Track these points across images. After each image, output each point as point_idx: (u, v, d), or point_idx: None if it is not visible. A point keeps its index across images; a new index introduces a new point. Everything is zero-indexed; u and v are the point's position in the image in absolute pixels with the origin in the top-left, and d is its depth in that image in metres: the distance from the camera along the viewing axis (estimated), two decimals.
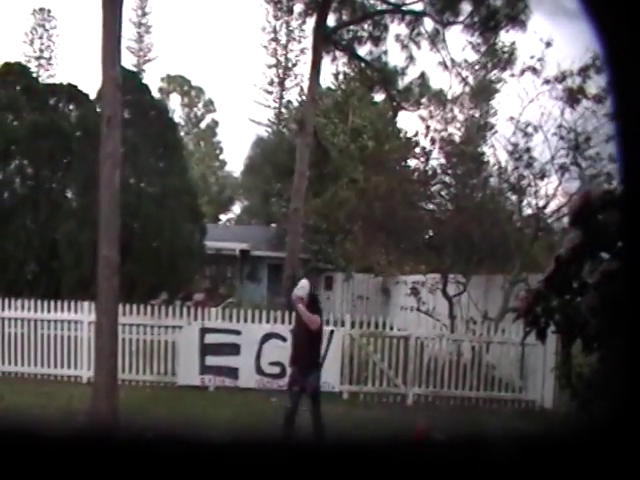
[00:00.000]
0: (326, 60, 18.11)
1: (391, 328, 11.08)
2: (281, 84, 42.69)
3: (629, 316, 1.75)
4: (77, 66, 63.68)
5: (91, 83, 49.66)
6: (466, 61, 17.77)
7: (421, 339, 10.91)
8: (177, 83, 49.09)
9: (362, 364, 10.76)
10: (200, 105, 50.75)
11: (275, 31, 42.24)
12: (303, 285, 6.98)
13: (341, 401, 10.28)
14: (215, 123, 50.99)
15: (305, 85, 23.70)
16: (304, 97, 24.86)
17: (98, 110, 14.04)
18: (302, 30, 39.88)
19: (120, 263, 8.33)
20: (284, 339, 10.54)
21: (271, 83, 42.83)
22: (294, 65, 42.41)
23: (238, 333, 10.62)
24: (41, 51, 41.59)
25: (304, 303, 6.87)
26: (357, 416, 9.16)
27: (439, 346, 10.92)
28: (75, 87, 16.44)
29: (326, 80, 29.42)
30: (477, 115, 18.16)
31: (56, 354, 10.78)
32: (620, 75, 1.66)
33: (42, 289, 13.39)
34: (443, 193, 14.19)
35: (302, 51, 40.85)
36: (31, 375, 10.81)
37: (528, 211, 12.56)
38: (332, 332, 10.66)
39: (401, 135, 26.94)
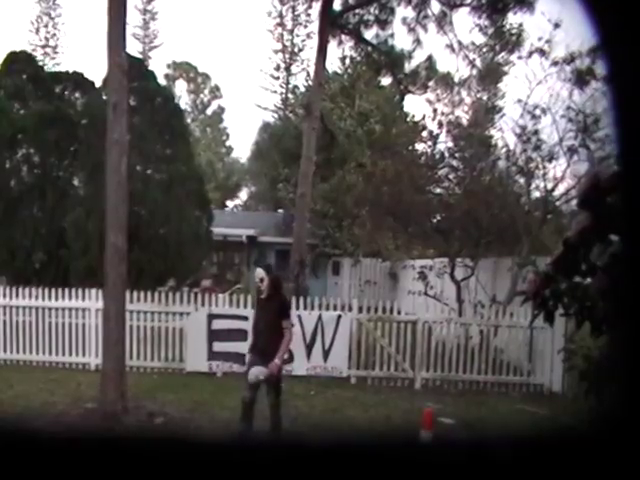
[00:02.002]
0: (332, 44, 17.97)
1: (399, 313, 11.05)
2: (287, 69, 42.52)
3: (632, 303, 1.73)
4: (83, 54, 63.63)
5: (97, 71, 49.81)
6: (473, 43, 17.56)
7: (429, 323, 10.89)
8: (183, 69, 48.99)
9: (370, 349, 10.77)
10: (206, 91, 50.66)
11: (281, 16, 42.08)
12: (257, 274, 6.63)
13: (349, 386, 10.31)
14: (221, 109, 50.95)
15: (311, 70, 23.60)
16: (310, 82, 24.73)
17: (104, 97, 14.02)
18: (308, 14, 39.77)
19: (127, 250, 8.34)
20: (292, 324, 10.55)
21: (277, 68, 42.68)
22: (300, 50, 42.28)
23: (245, 319, 10.60)
24: (47, 39, 41.57)
25: (262, 289, 6.58)
26: (365, 401, 9.18)
27: (447, 330, 10.90)
28: (81, 75, 16.40)
29: (333, 64, 29.31)
30: (485, 98, 18.04)
31: (64, 342, 10.85)
32: (618, 64, 1.65)
33: (50, 277, 13.45)
34: (451, 177, 14.13)
35: (308, 35, 40.72)
36: (40, 363, 10.90)
37: (536, 194, 12.49)
38: (340, 317, 10.67)
39: (408, 119, 26.78)
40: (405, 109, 28.30)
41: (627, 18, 1.58)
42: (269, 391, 6.53)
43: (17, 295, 11.06)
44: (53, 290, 11.02)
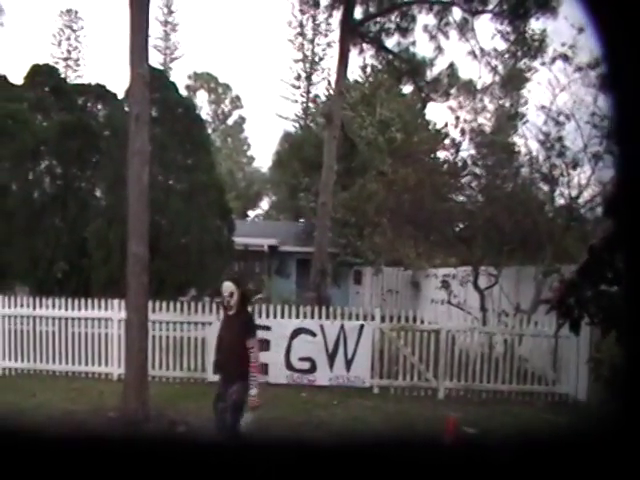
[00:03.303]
0: (353, 53, 18.01)
1: (422, 322, 10.96)
2: (308, 78, 42.64)
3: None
4: (105, 66, 64.43)
5: (119, 82, 50.38)
6: (495, 50, 17.47)
7: (452, 332, 10.78)
8: (204, 80, 49.40)
9: (392, 358, 10.69)
10: (227, 101, 51.01)
11: (301, 25, 42.23)
12: (225, 287, 6.01)
13: (371, 395, 10.24)
14: (242, 119, 51.28)
15: (332, 79, 23.64)
16: (331, 91, 24.78)
17: (126, 109, 14.15)
18: (328, 23, 39.82)
19: (149, 260, 8.37)
20: (314, 334, 10.53)
21: (298, 78, 42.81)
22: (321, 59, 42.39)
23: (268, 329, 10.59)
24: (69, 52, 42.15)
25: (231, 304, 6.00)
26: (387, 410, 9.10)
27: (470, 339, 10.79)
28: (103, 87, 16.59)
29: (353, 73, 29.36)
30: (507, 105, 17.90)
31: (87, 351, 10.90)
32: (619, 75, 1.64)
33: (72, 287, 13.55)
34: (473, 184, 14.02)
35: (329, 45, 40.83)
36: (62, 372, 10.96)
37: (560, 201, 12.33)
38: (362, 326, 10.61)
39: (430, 127, 26.70)
40: (427, 117, 28.22)
41: (628, 22, 1.57)
42: (227, 410, 5.92)
43: (40, 305, 11.15)
44: (75, 300, 11.08)
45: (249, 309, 6.41)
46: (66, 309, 11.04)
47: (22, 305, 11.24)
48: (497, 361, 10.54)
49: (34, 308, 11.12)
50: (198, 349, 10.80)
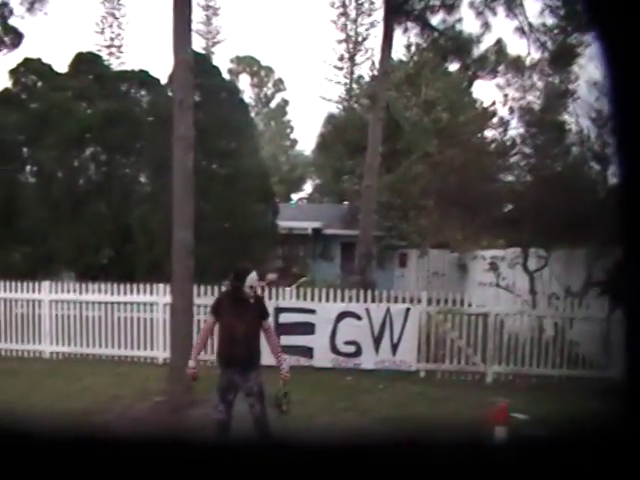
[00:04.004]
0: (397, 32, 17.66)
1: (469, 305, 10.75)
2: (351, 59, 42.20)
3: None
4: (147, 53, 64.97)
5: (161, 69, 50.83)
6: (544, 25, 16.90)
7: (501, 316, 10.57)
8: (246, 64, 49.37)
9: (439, 342, 10.54)
10: (270, 84, 50.92)
11: (344, 5, 41.74)
12: (252, 280, 5.70)
13: (418, 380, 10.13)
14: (285, 102, 51.11)
15: (376, 59, 23.31)
16: (375, 71, 24.46)
17: (169, 94, 14.19)
18: (372, 3, 39.33)
19: (193, 245, 8.39)
20: (359, 318, 10.44)
21: (341, 59, 42.42)
22: (364, 39, 41.86)
23: (313, 312, 10.56)
24: (111, 40, 42.51)
25: (251, 297, 5.72)
26: (434, 395, 8.96)
27: (520, 323, 10.56)
28: (146, 73, 16.67)
29: (397, 52, 28.91)
30: (557, 81, 17.35)
31: (132, 336, 11.04)
32: (621, 80, 1.59)
33: (116, 272, 13.73)
34: (522, 164, 13.66)
35: (372, 24, 40.28)
36: (108, 357, 11.13)
37: (613, 180, 11.91)
38: (408, 309, 10.48)
39: (477, 106, 26.15)
40: (473, 96, 27.66)
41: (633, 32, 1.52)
42: (254, 403, 5.63)
43: (86, 290, 11.34)
44: (121, 285, 11.23)
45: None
46: (112, 294, 11.20)
47: (69, 290, 11.46)
48: (547, 345, 10.29)
49: (80, 293, 11.32)
50: None
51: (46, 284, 11.54)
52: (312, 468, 1.48)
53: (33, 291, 11.51)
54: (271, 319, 6.07)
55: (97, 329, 11.23)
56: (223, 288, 11.03)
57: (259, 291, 5.89)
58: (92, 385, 9.05)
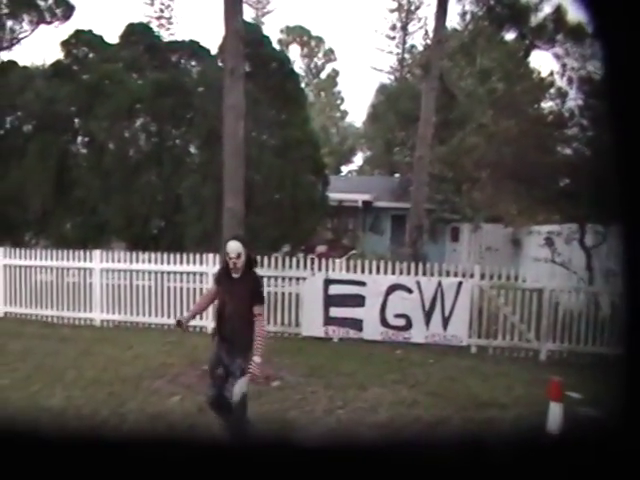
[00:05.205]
0: (452, 0, 17.21)
1: (523, 280, 10.49)
2: (404, 28, 41.44)
3: None
4: (196, 25, 65.10)
5: (211, 40, 50.80)
6: None
7: (556, 292, 10.28)
8: (296, 34, 48.93)
9: (492, 317, 10.34)
10: (320, 55, 50.40)
11: None
12: (232, 248, 5.31)
13: (469, 355, 9.99)
14: (336, 73, 50.57)
15: (429, 28, 22.79)
16: (429, 40, 23.92)
17: (219, 65, 14.15)
18: None
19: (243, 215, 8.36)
20: (410, 291, 10.31)
21: (393, 28, 41.70)
22: (417, 8, 41.07)
23: (363, 284, 10.48)
24: (161, 11, 42.63)
25: (238, 267, 5.30)
26: (485, 371, 8.79)
27: (575, 300, 10.26)
28: (196, 43, 16.65)
29: (452, 21, 28.20)
30: None
31: (182, 305, 11.12)
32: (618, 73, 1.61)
33: (166, 242, 13.87)
34: (580, 136, 13.17)
35: None
36: (158, 325, 11.27)
37: None
38: (460, 283, 10.29)
39: (534, 76, 25.33)
40: (530, 65, 26.78)
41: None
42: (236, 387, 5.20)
43: (137, 260, 11.47)
44: (171, 255, 11.32)
45: (256, 272, 5.55)
46: (162, 263, 11.30)
47: (119, 260, 11.62)
48: (603, 323, 9.97)
49: (131, 262, 11.46)
50: (292, 304, 10.84)
51: (97, 253, 11.73)
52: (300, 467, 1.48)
53: (84, 260, 11.71)
54: (265, 307, 5.51)
55: (147, 298, 11.38)
56: (273, 259, 11.09)
57: (242, 259, 5.29)
58: (142, 352, 9.19)
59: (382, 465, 1.46)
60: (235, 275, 5.36)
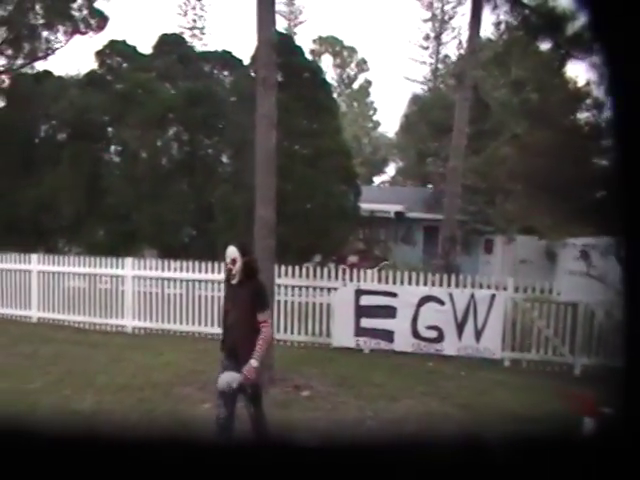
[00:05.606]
0: (486, 10, 17.08)
1: (558, 293, 10.31)
2: (437, 38, 41.29)
3: None
4: (229, 35, 65.73)
5: (243, 51, 51.28)
6: None
7: (591, 306, 10.07)
8: (329, 44, 49.10)
9: (525, 330, 10.18)
10: (353, 65, 50.49)
11: None
12: (228, 253, 5.18)
13: (502, 368, 9.84)
14: (368, 83, 50.60)
15: (463, 38, 22.67)
16: (462, 50, 23.80)
17: (252, 75, 14.23)
18: None
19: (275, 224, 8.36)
20: (442, 302, 10.21)
21: (427, 38, 41.58)
22: (451, 18, 40.89)
23: (394, 295, 10.40)
24: (194, 21, 43.17)
25: (233, 273, 5.16)
26: (518, 384, 8.64)
27: (611, 314, 10.03)
28: (229, 53, 16.81)
29: (485, 31, 28.00)
30: None
31: (212, 313, 11.14)
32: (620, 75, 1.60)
33: (198, 251, 13.93)
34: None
35: (459, 2, 39.23)
36: (188, 333, 11.33)
37: None
38: (494, 296, 10.15)
39: (569, 86, 25.03)
40: (566, 75, 26.49)
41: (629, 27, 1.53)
42: (247, 402, 5.11)
43: (168, 268, 11.56)
44: (202, 264, 11.37)
45: (259, 279, 5.33)
46: (193, 272, 11.37)
47: (151, 267, 11.71)
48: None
49: (162, 270, 11.54)
50: (323, 314, 10.80)
51: (129, 260, 11.84)
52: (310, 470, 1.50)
53: (116, 267, 11.84)
54: (269, 312, 5.40)
55: (178, 306, 11.45)
56: (304, 269, 11.07)
57: (238, 265, 5.14)
58: (173, 360, 9.24)
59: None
60: (234, 282, 5.21)
